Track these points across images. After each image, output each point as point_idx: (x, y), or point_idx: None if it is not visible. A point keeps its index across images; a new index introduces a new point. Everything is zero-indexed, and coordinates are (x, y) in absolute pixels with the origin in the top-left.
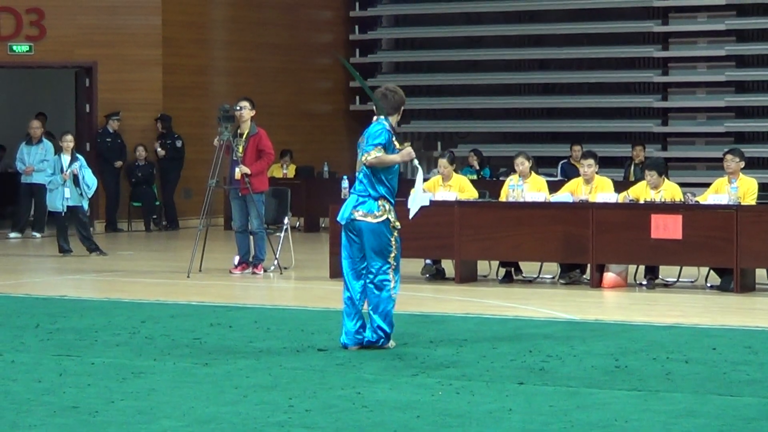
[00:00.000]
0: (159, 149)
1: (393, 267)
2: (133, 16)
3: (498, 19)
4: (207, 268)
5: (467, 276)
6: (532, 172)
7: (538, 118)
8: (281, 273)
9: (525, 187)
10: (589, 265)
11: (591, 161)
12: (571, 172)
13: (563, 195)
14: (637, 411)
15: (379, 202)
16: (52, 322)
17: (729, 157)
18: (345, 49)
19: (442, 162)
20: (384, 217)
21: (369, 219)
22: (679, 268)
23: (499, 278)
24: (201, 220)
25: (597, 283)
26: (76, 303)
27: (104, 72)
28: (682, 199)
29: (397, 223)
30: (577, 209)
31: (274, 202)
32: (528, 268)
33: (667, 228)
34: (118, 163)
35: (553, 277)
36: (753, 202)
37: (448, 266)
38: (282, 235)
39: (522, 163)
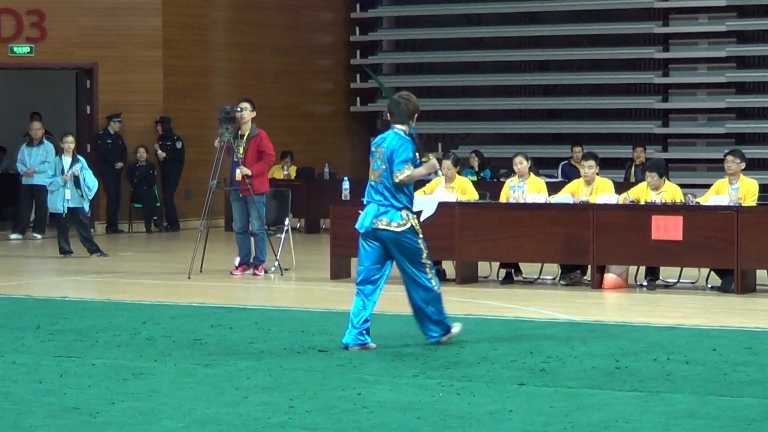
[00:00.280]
0: (159, 151)
1: (428, 266)
2: (134, 18)
3: (498, 21)
4: (208, 270)
5: (468, 277)
6: (531, 173)
7: (539, 119)
8: (282, 274)
9: (525, 188)
10: (589, 266)
11: (591, 162)
12: (571, 174)
13: (564, 196)
14: (637, 412)
15: (402, 212)
16: (52, 323)
17: (729, 158)
18: (345, 51)
19: (446, 164)
20: (408, 225)
21: (393, 228)
22: (679, 269)
23: (500, 279)
24: (202, 222)
25: (597, 284)
26: (77, 304)
27: (105, 73)
28: (683, 201)
29: (419, 227)
30: (577, 210)
31: (274, 203)
32: (528, 269)
33: (667, 229)
34: (119, 165)
35: (554, 278)
36: (754, 204)
37: (448, 267)
38: (283, 236)
39: (520, 163)
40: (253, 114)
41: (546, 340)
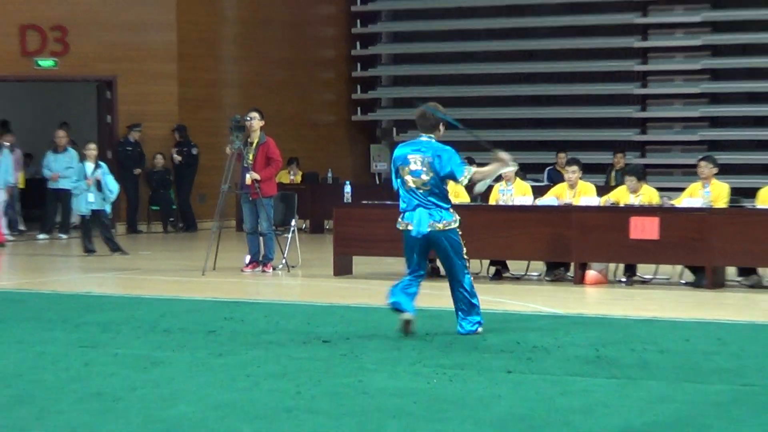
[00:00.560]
0: (176, 155)
1: (467, 260)
2: (151, 34)
3: (489, 36)
4: (220, 267)
5: None
6: (518, 177)
7: (526, 127)
8: (289, 271)
9: (512, 191)
10: (572, 264)
11: (575, 167)
12: (556, 178)
13: (549, 199)
14: (616, 397)
15: (451, 210)
16: (78, 316)
17: (703, 163)
18: (347, 64)
19: None
20: (457, 224)
21: (452, 226)
22: (655, 266)
23: (490, 276)
24: (214, 223)
25: (580, 280)
26: (100, 299)
27: (124, 85)
28: (659, 203)
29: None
30: (562, 212)
31: (282, 205)
32: (516, 266)
33: (645, 229)
34: (137, 170)
35: (540, 275)
36: (725, 206)
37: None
38: (289, 236)
39: None
40: (262, 123)
41: (532, 332)
